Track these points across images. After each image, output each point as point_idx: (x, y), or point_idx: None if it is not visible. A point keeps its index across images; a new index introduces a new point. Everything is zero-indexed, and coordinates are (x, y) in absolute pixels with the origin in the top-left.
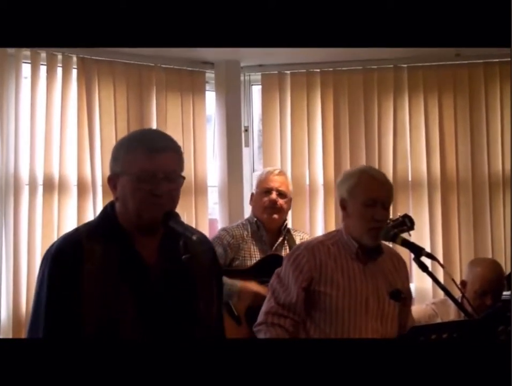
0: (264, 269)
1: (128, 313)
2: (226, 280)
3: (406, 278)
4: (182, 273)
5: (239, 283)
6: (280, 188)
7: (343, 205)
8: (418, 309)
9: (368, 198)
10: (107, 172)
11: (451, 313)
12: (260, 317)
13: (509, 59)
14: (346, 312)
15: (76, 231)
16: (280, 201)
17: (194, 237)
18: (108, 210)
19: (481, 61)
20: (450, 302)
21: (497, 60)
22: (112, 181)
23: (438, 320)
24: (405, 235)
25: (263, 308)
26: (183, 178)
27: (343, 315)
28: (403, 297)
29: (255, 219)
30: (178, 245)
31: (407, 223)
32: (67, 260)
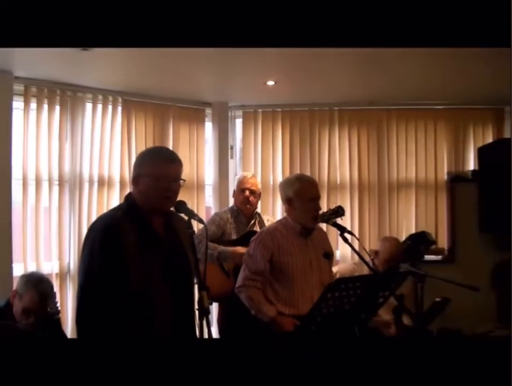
0: (246, 240)
1: (155, 273)
2: (222, 248)
3: (329, 243)
4: (181, 242)
5: (230, 249)
6: (252, 188)
7: (289, 202)
8: (344, 267)
9: (311, 196)
10: None
11: (364, 271)
12: (239, 282)
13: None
14: (300, 271)
15: (114, 212)
16: (252, 197)
17: (196, 218)
18: (130, 200)
19: (392, 107)
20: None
21: (395, 107)
22: (136, 179)
23: (357, 275)
24: (338, 219)
25: (240, 276)
26: (185, 181)
27: (298, 274)
28: (331, 255)
29: (236, 208)
30: (175, 223)
31: (340, 211)
32: (115, 233)
